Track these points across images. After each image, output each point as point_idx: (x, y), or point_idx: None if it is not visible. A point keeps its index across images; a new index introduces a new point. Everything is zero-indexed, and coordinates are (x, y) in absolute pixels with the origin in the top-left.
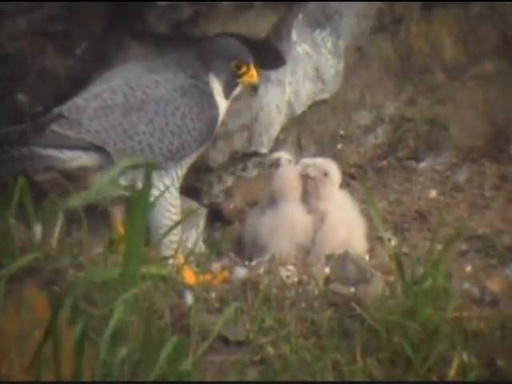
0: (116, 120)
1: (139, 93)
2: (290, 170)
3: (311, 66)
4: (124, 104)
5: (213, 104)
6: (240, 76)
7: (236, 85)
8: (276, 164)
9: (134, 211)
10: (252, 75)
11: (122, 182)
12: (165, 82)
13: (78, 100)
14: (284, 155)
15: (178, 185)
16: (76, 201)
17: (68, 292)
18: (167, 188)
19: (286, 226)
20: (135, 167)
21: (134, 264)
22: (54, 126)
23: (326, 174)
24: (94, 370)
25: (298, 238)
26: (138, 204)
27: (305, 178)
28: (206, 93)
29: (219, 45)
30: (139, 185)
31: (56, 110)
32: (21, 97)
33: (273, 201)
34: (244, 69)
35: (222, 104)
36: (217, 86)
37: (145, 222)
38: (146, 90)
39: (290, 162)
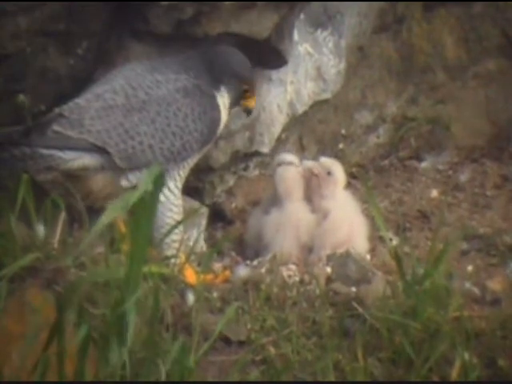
0: (117, 120)
1: (141, 93)
2: (293, 169)
3: (313, 65)
4: (125, 104)
5: (215, 105)
6: (243, 98)
7: (237, 103)
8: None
9: (141, 213)
10: (253, 100)
11: (124, 183)
12: (167, 82)
13: (80, 100)
14: (291, 157)
15: (180, 185)
16: (107, 218)
17: (72, 293)
18: (169, 189)
19: (291, 224)
20: (137, 169)
21: (139, 265)
22: (56, 126)
23: (329, 173)
24: (97, 370)
25: (302, 237)
26: (146, 206)
27: (308, 177)
28: (209, 94)
29: (234, 62)
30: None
31: (57, 110)
32: (21, 97)
33: (277, 200)
34: (249, 93)
35: (223, 114)
36: (225, 99)
37: (151, 224)
38: (147, 91)
39: (293, 164)
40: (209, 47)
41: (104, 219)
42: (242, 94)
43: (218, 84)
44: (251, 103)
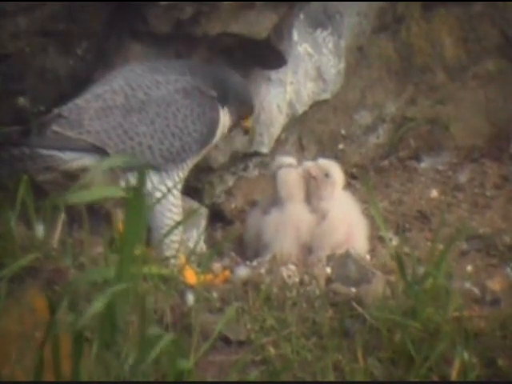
0: (116, 121)
1: (140, 93)
2: (294, 170)
3: (312, 65)
4: (125, 105)
5: (214, 107)
6: (241, 121)
7: (236, 126)
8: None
9: (130, 211)
10: (250, 120)
11: (123, 183)
12: (166, 82)
13: (79, 101)
14: (290, 160)
15: (179, 186)
16: (75, 198)
17: (67, 292)
18: (169, 190)
19: (291, 224)
20: (136, 169)
21: (129, 263)
22: (55, 127)
23: (327, 175)
24: (93, 369)
25: (302, 237)
26: (133, 204)
27: (307, 178)
28: (208, 96)
29: (239, 88)
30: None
31: (56, 110)
32: (21, 100)
33: (277, 200)
34: (248, 114)
35: (221, 130)
36: (226, 118)
37: (141, 222)
38: (147, 91)
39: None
40: (215, 65)
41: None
42: (241, 117)
43: (223, 104)
44: (249, 123)
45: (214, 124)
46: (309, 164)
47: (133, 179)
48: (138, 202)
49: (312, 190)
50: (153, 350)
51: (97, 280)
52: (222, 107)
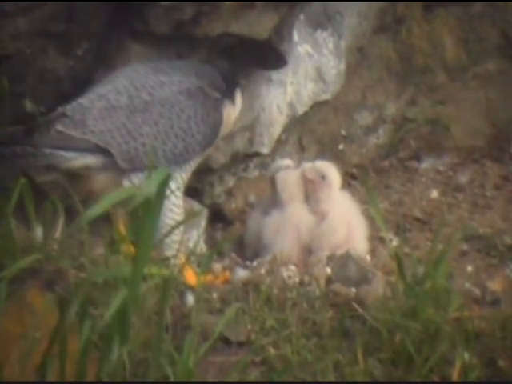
0: (120, 121)
1: (144, 94)
2: (293, 172)
3: (312, 66)
4: (128, 105)
5: (217, 108)
6: None
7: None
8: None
9: (146, 216)
10: None
11: (126, 184)
12: (170, 83)
13: (83, 100)
14: (287, 162)
15: (182, 187)
16: (95, 211)
17: (76, 293)
18: (171, 190)
19: (292, 225)
20: (139, 170)
21: (143, 268)
22: (59, 126)
23: (323, 177)
24: (97, 370)
25: (303, 238)
26: (151, 209)
27: (305, 180)
28: (212, 97)
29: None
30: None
31: (60, 110)
32: (28, 104)
33: (277, 201)
34: None
35: (237, 112)
36: (239, 97)
37: (155, 228)
38: (151, 92)
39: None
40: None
41: (97, 209)
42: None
43: (235, 87)
44: None
45: (217, 126)
46: (305, 166)
47: (135, 179)
48: (158, 203)
49: (310, 192)
50: (153, 350)
51: (98, 281)
52: (237, 91)
